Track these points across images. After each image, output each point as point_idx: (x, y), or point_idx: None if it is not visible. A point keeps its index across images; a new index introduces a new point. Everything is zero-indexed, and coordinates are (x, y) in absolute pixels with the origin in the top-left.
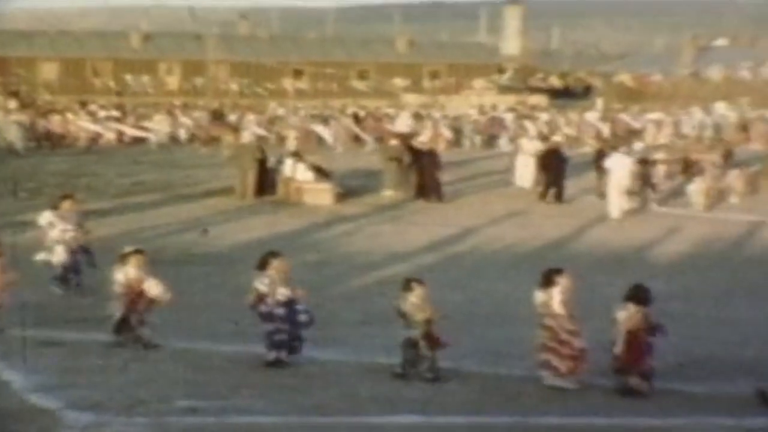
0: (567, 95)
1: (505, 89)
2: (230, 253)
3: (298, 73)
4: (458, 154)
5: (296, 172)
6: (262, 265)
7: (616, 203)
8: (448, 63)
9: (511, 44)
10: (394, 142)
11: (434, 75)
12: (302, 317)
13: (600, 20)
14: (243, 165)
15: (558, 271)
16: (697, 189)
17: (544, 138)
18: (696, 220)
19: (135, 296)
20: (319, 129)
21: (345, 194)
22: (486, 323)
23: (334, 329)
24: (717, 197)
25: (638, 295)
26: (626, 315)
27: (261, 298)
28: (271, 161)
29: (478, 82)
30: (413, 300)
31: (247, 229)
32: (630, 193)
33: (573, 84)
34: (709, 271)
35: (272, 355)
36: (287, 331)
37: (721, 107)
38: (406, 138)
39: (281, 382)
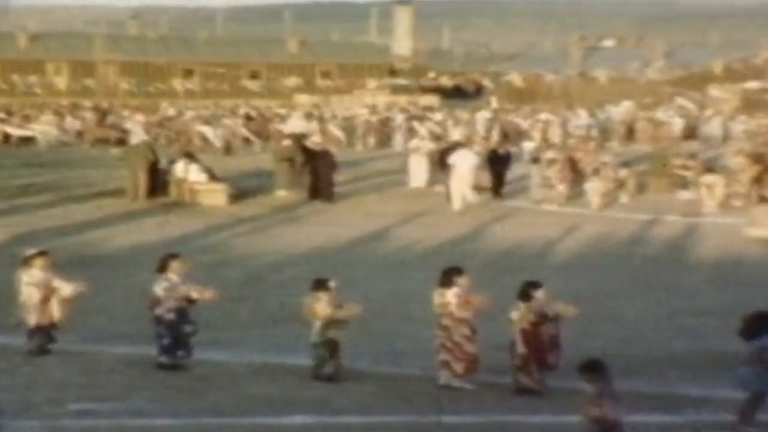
0: (459, 95)
1: (397, 89)
2: (123, 255)
3: (188, 73)
4: (351, 155)
5: (189, 173)
6: (162, 268)
7: (459, 196)
8: (339, 63)
9: (402, 44)
10: (286, 142)
11: (326, 75)
12: (187, 328)
13: (490, 21)
14: (134, 166)
15: (458, 271)
16: (593, 188)
17: (436, 138)
18: (592, 219)
19: (45, 299)
20: (205, 129)
21: (238, 195)
22: (382, 323)
23: (229, 330)
24: (611, 197)
25: (527, 293)
26: (518, 314)
27: (157, 301)
28: (163, 162)
29: (371, 82)
30: (326, 299)
31: (140, 231)
32: (476, 187)
33: (465, 84)
34: (601, 268)
35: (163, 358)
36: (173, 337)
37: (628, 105)
38: (299, 138)
39: (175, 384)
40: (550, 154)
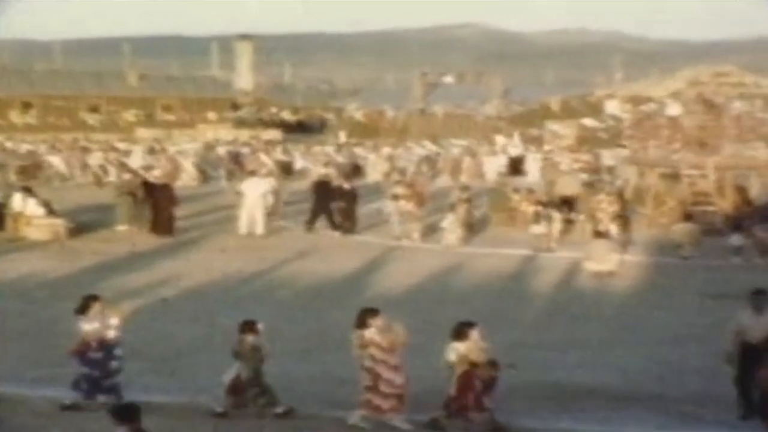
0: (302, 130)
1: (240, 123)
2: None
3: (26, 106)
4: (189, 189)
5: (26, 207)
6: (84, 309)
7: (246, 222)
8: (180, 97)
9: (243, 79)
10: (127, 176)
11: (167, 109)
12: (114, 364)
13: (331, 56)
14: None
15: (372, 312)
16: (449, 224)
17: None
18: (443, 254)
19: None
20: (53, 160)
21: (78, 229)
22: (224, 357)
23: (69, 367)
24: (462, 232)
25: (462, 332)
26: (457, 355)
27: (87, 343)
28: None
29: (212, 116)
30: (252, 340)
31: None
32: (268, 213)
33: (307, 119)
34: (443, 302)
35: (76, 398)
36: (101, 376)
37: (501, 139)
38: (139, 173)
39: (14, 420)
40: (399, 189)
